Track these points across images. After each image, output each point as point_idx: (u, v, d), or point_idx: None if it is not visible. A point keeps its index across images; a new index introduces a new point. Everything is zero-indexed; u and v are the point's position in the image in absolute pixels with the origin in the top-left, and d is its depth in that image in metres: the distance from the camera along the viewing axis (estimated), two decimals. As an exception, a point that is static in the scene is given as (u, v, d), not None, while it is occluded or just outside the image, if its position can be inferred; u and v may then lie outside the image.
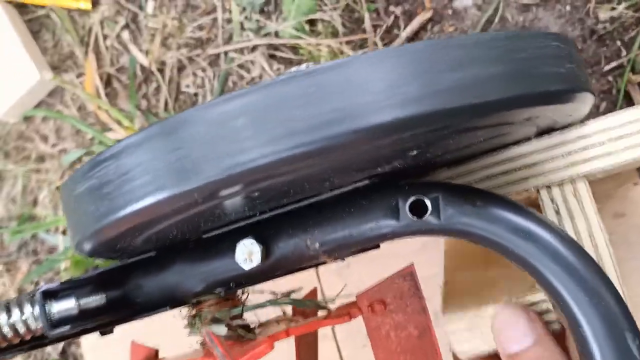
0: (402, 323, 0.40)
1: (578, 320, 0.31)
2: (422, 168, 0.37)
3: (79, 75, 0.79)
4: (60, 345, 0.75)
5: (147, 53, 0.75)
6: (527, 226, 0.32)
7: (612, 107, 0.57)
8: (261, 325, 0.41)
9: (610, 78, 0.57)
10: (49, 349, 0.75)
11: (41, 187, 0.79)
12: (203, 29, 0.72)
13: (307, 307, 0.41)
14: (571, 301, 0.31)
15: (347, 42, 0.65)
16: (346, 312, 0.41)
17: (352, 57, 0.23)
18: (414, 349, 0.40)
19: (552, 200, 0.38)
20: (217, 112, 0.23)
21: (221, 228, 0.36)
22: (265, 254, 0.35)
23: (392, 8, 0.64)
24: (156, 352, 0.43)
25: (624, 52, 0.57)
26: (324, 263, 0.39)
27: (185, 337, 0.39)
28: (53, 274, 0.76)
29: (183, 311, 0.39)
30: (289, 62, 0.68)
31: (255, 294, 0.41)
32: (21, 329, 0.32)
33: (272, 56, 0.68)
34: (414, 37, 0.63)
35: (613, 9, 0.56)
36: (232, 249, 0.35)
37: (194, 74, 0.72)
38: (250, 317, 0.40)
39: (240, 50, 0.70)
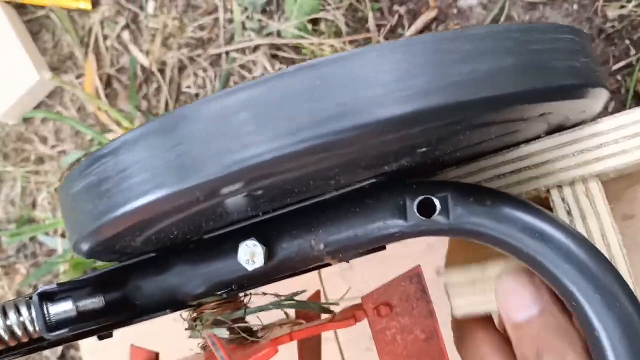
0: (408, 326, 0.39)
1: (591, 321, 0.30)
2: (430, 167, 0.36)
3: (79, 76, 0.78)
4: (60, 349, 0.74)
5: (147, 53, 0.74)
6: (539, 226, 0.31)
7: (621, 107, 0.56)
8: (264, 328, 0.40)
9: (619, 77, 0.57)
10: (47, 352, 0.74)
11: (40, 189, 0.78)
12: (204, 29, 0.71)
13: (312, 310, 0.40)
14: (584, 302, 0.30)
15: (351, 42, 0.64)
16: (351, 315, 0.40)
17: (360, 49, 0.22)
18: (420, 354, 0.39)
19: (563, 200, 0.37)
20: (219, 107, 0.22)
21: (223, 228, 0.35)
22: (269, 255, 0.34)
23: (396, 7, 0.63)
24: (156, 355, 0.42)
25: (633, 51, 0.56)
26: (328, 265, 0.39)
27: (186, 341, 0.38)
28: (52, 277, 0.75)
29: (184, 314, 0.38)
30: (291, 62, 0.67)
31: (258, 296, 0.40)
32: (18, 332, 0.31)
33: (274, 56, 0.67)
34: (418, 36, 0.62)
35: (622, 7, 0.56)
36: (235, 250, 0.34)
37: (195, 75, 0.72)
38: (252, 320, 0.39)
39: (242, 51, 0.69)
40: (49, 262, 0.73)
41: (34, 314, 0.31)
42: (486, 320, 0.38)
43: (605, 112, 0.58)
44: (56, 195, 0.77)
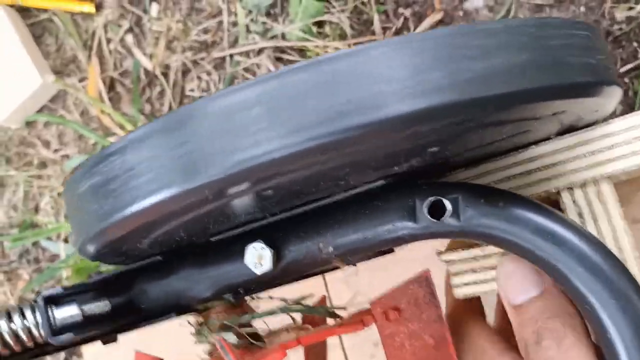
0: (417, 332, 0.38)
1: (605, 324, 0.29)
2: (439, 168, 0.35)
3: (82, 79, 0.77)
4: (62, 355, 0.74)
5: (151, 57, 0.74)
6: (551, 227, 0.30)
7: (628, 110, 0.55)
8: (270, 333, 0.40)
9: (626, 80, 0.56)
10: (49, 358, 0.73)
11: (43, 193, 0.77)
12: (208, 32, 0.71)
13: (319, 314, 0.40)
14: (598, 305, 0.30)
15: (355, 44, 0.64)
16: (359, 319, 0.39)
17: (373, 43, 0.21)
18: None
19: (574, 202, 0.36)
20: (228, 103, 0.22)
21: (230, 231, 0.34)
22: (276, 258, 0.34)
23: (401, 10, 0.63)
24: (161, 361, 0.42)
25: (640, 53, 0.56)
26: (336, 268, 0.38)
27: (192, 346, 0.38)
28: (54, 283, 0.74)
29: (190, 318, 0.38)
30: (296, 65, 0.66)
31: (263, 300, 0.40)
32: (23, 336, 0.31)
33: (278, 59, 0.67)
34: (423, 38, 0.62)
35: (630, 8, 0.55)
36: (242, 253, 0.33)
37: (199, 78, 0.71)
38: (258, 325, 0.39)
39: (246, 53, 0.68)
40: (51, 267, 0.73)
41: (38, 318, 0.31)
42: (480, 314, 0.38)
43: (612, 115, 0.57)
44: (59, 200, 0.77)
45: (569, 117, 0.31)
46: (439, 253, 0.39)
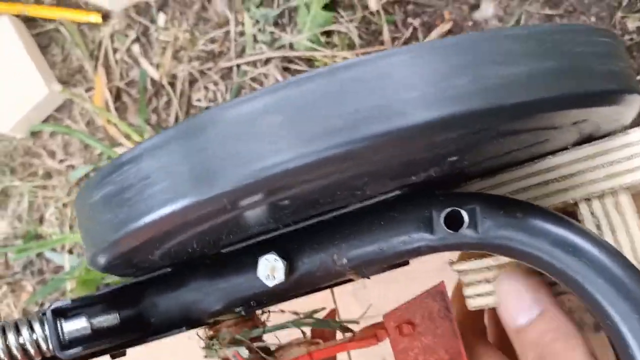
0: (431, 347, 0.38)
1: (626, 339, 0.29)
2: (455, 178, 0.35)
3: (88, 89, 0.77)
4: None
5: (157, 66, 0.73)
6: (571, 239, 0.30)
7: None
8: (281, 347, 0.39)
9: (638, 89, 0.56)
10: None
11: (48, 204, 0.77)
12: (215, 42, 0.71)
13: (332, 328, 0.39)
14: (619, 319, 0.29)
15: (364, 54, 0.63)
16: (372, 333, 0.38)
17: (394, 50, 0.21)
18: (443, 375, 0.37)
19: (592, 213, 0.36)
20: (246, 111, 0.21)
21: (242, 242, 0.34)
22: (289, 270, 0.33)
23: (410, 20, 0.63)
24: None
25: (652, 63, 0.55)
26: (350, 280, 0.37)
27: (201, 360, 0.37)
28: (59, 295, 0.74)
29: (199, 332, 0.37)
30: (303, 75, 0.66)
31: (273, 313, 0.39)
32: (31, 350, 0.30)
33: (286, 69, 0.67)
34: (432, 48, 0.62)
35: (642, 17, 0.55)
36: (254, 265, 0.33)
37: (206, 88, 0.71)
38: (268, 339, 0.38)
39: (254, 63, 0.68)
40: (55, 279, 0.72)
41: (47, 331, 0.30)
42: (483, 333, 0.37)
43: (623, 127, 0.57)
44: (64, 210, 0.76)
45: (588, 126, 0.31)
46: (451, 263, 0.38)
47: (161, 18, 0.74)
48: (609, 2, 0.56)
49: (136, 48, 0.75)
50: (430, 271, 0.57)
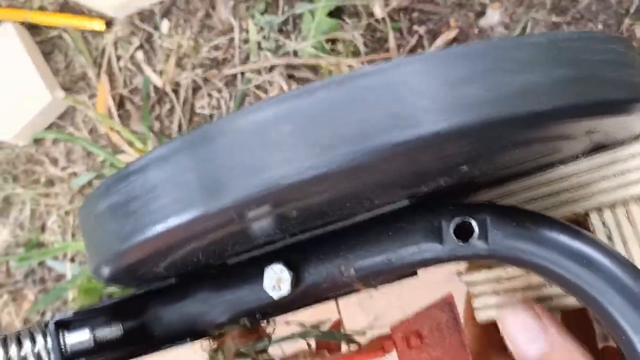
0: (439, 359, 0.37)
1: (640, 354, 0.28)
2: (464, 188, 0.34)
3: (91, 96, 0.77)
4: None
5: (161, 74, 0.73)
6: (585, 252, 0.29)
7: (649, 128, 0.54)
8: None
9: (647, 97, 0.55)
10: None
11: (50, 212, 0.76)
12: (219, 49, 0.70)
13: (338, 340, 0.38)
14: (632, 333, 0.29)
15: (369, 62, 0.63)
16: (379, 345, 0.38)
17: (409, 58, 0.20)
18: (452, 388, 0.37)
19: (603, 224, 0.35)
20: (256, 120, 0.21)
21: (247, 252, 0.33)
22: (295, 281, 0.32)
23: (415, 27, 0.62)
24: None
25: (660, 71, 0.55)
26: (357, 291, 0.37)
27: (205, 372, 0.37)
28: (61, 303, 0.73)
29: (203, 344, 0.36)
30: (308, 82, 0.66)
31: (278, 324, 0.39)
32: (32, 363, 0.29)
33: (290, 76, 0.66)
34: (438, 56, 0.61)
35: (650, 25, 0.54)
36: (260, 276, 0.32)
37: (209, 95, 0.70)
38: (272, 351, 0.37)
39: (258, 71, 0.68)
40: (58, 288, 0.71)
41: (49, 344, 0.29)
42: (501, 346, 0.37)
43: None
44: (66, 218, 0.76)
45: (599, 135, 0.30)
46: (460, 274, 0.37)
47: (165, 25, 0.73)
48: (616, 9, 0.55)
49: (140, 55, 0.75)
50: (437, 281, 0.56)
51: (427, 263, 0.32)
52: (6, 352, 0.30)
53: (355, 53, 0.63)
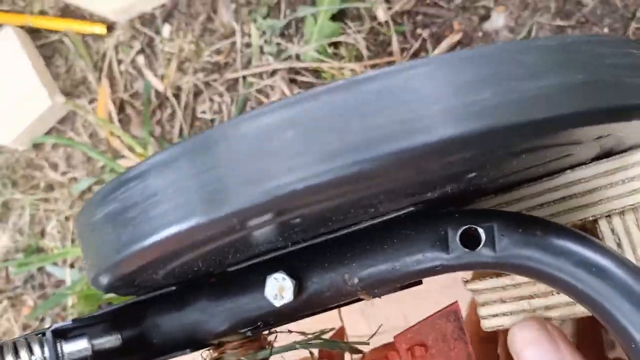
0: (444, 369, 0.36)
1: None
2: (471, 194, 0.34)
3: (92, 101, 0.76)
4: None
5: (162, 78, 0.73)
6: (596, 260, 0.28)
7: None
8: (287, 368, 0.38)
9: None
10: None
11: (49, 217, 0.76)
12: (221, 53, 0.70)
13: (342, 349, 0.38)
14: (645, 345, 0.28)
15: (372, 66, 0.62)
16: (383, 355, 0.37)
17: (417, 61, 0.20)
18: (457, 399, 0.36)
19: (612, 231, 0.34)
20: (260, 125, 0.20)
21: (249, 260, 0.33)
22: (298, 289, 0.32)
23: (419, 30, 0.62)
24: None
25: (667, 75, 0.54)
26: (360, 300, 0.36)
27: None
28: (60, 310, 0.72)
29: (203, 354, 0.36)
30: (310, 87, 0.65)
31: (281, 334, 0.38)
32: (28, 374, 0.29)
33: (292, 80, 0.66)
34: (442, 60, 0.61)
35: (657, 29, 0.54)
36: (261, 284, 0.31)
37: (211, 100, 0.70)
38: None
39: (260, 75, 0.67)
40: (57, 294, 0.71)
41: (46, 353, 0.29)
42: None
43: None
44: (65, 224, 0.75)
45: (610, 141, 0.30)
46: (465, 281, 0.37)
47: (166, 29, 0.73)
48: (622, 12, 0.55)
49: (140, 59, 0.74)
50: (441, 289, 0.56)
51: (432, 271, 0.31)
52: (2, 361, 0.29)
53: (358, 57, 0.63)
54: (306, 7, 0.65)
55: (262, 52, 0.67)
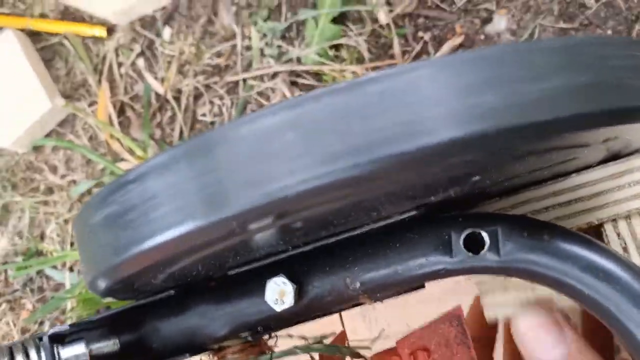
0: (447, 374, 0.36)
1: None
2: (474, 197, 0.33)
3: (92, 103, 0.76)
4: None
5: (162, 81, 0.72)
6: (602, 264, 0.28)
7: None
8: (288, 373, 0.37)
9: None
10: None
11: (49, 220, 0.75)
12: (221, 56, 0.69)
13: (342, 354, 0.37)
14: (651, 350, 0.27)
15: (374, 69, 0.62)
16: None
17: (420, 63, 0.19)
18: (460, 404, 0.35)
19: (618, 235, 0.34)
20: (260, 127, 0.20)
21: (249, 264, 0.32)
22: (298, 293, 0.31)
23: (420, 33, 0.61)
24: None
25: (671, 78, 0.54)
26: (361, 304, 0.36)
27: (205, 387, 0.35)
28: (59, 313, 0.72)
29: (203, 358, 0.35)
30: (311, 89, 0.65)
31: (282, 338, 0.37)
32: (24, 379, 0.28)
33: (293, 83, 0.65)
34: (444, 63, 0.60)
35: (662, 31, 0.53)
36: (262, 288, 0.31)
37: (211, 102, 0.70)
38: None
39: (260, 78, 0.67)
40: (56, 297, 0.70)
41: (43, 358, 0.28)
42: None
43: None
44: (65, 227, 0.74)
45: (617, 144, 0.29)
46: None
47: (167, 32, 0.73)
48: (626, 15, 0.54)
49: (141, 62, 0.74)
50: (443, 292, 0.55)
51: (435, 276, 0.30)
52: (-2, 367, 0.29)
53: (360, 60, 0.63)
54: (307, 9, 0.65)
55: (262, 54, 0.67)
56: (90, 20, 0.77)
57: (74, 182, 0.76)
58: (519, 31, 0.59)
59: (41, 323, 0.74)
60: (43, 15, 0.79)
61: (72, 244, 0.74)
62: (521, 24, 0.59)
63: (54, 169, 0.77)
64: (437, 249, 0.30)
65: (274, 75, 0.66)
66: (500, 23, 0.59)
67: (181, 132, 0.71)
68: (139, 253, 0.21)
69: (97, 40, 0.76)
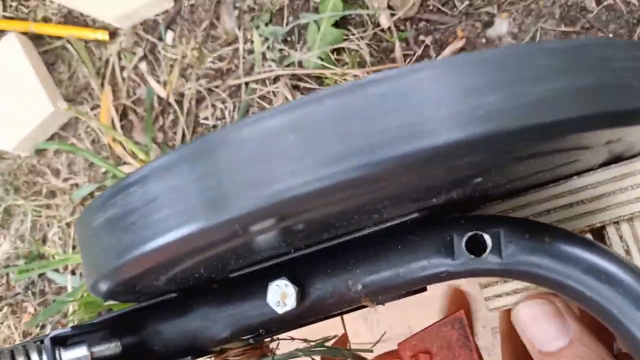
0: (449, 377, 0.36)
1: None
2: (476, 200, 0.33)
3: (94, 107, 0.76)
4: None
5: (165, 84, 0.72)
6: (604, 267, 0.28)
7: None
8: (290, 376, 0.37)
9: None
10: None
11: (51, 223, 0.75)
12: (224, 60, 0.70)
13: (344, 356, 0.37)
14: (654, 353, 0.27)
15: (375, 72, 0.62)
16: (387, 362, 0.36)
17: (423, 64, 0.19)
18: (462, 407, 0.35)
19: (620, 237, 0.34)
20: (262, 129, 0.20)
21: (251, 266, 0.32)
22: (300, 296, 0.31)
23: (422, 37, 0.62)
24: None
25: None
26: (363, 307, 0.36)
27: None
28: (61, 316, 0.72)
29: (205, 360, 0.35)
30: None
31: (284, 341, 0.37)
32: (26, 382, 0.28)
33: (295, 87, 0.65)
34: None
35: (663, 34, 0.53)
36: (263, 291, 0.31)
37: (213, 106, 0.70)
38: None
39: (262, 81, 0.67)
40: (58, 301, 0.70)
41: (44, 361, 0.28)
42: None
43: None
44: (67, 230, 0.75)
45: (620, 146, 0.29)
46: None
47: (169, 36, 0.73)
48: (627, 18, 0.54)
49: (143, 66, 0.74)
50: (440, 296, 0.55)
51: (437, 278, 0.30)
52: (0, 369, 0.29)
53: (361, 63, 0.63)
54: (309, 13, 0.65)
55: (264, 58, 0.67)
56: (93, 24, 0.78)
57: (76, 185, 0.76)
58: (520, 35, 0.59)
59: (43, 326, 0.74)
60: (46, 19, 0.80)
61: (74, 247, 0.74)
62: (522, 27, 0.59)
63: (56, 173, 0.77)
64: (439, 251, 0.30)
65: (276, 78, 0.66)
66: (501, 26, 0.59)
67: (183, 136, 0.71)
68: (141, 255, 0.21)
69: (99, 43, 0.76)
